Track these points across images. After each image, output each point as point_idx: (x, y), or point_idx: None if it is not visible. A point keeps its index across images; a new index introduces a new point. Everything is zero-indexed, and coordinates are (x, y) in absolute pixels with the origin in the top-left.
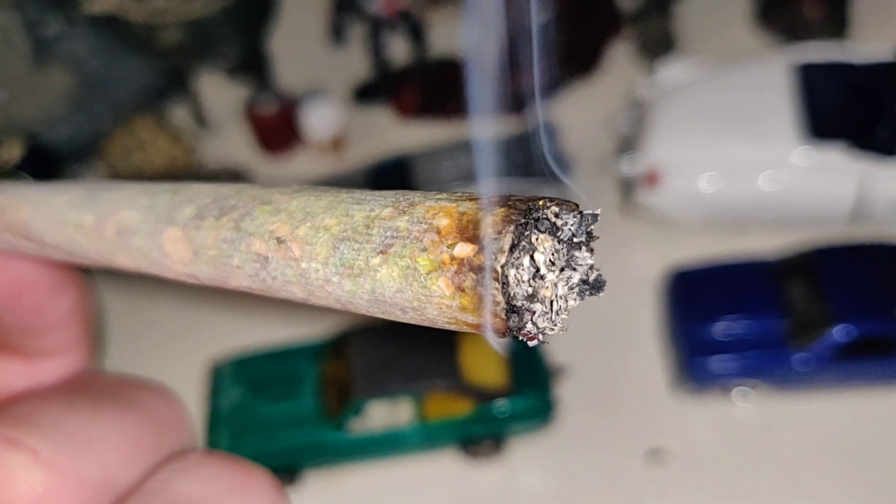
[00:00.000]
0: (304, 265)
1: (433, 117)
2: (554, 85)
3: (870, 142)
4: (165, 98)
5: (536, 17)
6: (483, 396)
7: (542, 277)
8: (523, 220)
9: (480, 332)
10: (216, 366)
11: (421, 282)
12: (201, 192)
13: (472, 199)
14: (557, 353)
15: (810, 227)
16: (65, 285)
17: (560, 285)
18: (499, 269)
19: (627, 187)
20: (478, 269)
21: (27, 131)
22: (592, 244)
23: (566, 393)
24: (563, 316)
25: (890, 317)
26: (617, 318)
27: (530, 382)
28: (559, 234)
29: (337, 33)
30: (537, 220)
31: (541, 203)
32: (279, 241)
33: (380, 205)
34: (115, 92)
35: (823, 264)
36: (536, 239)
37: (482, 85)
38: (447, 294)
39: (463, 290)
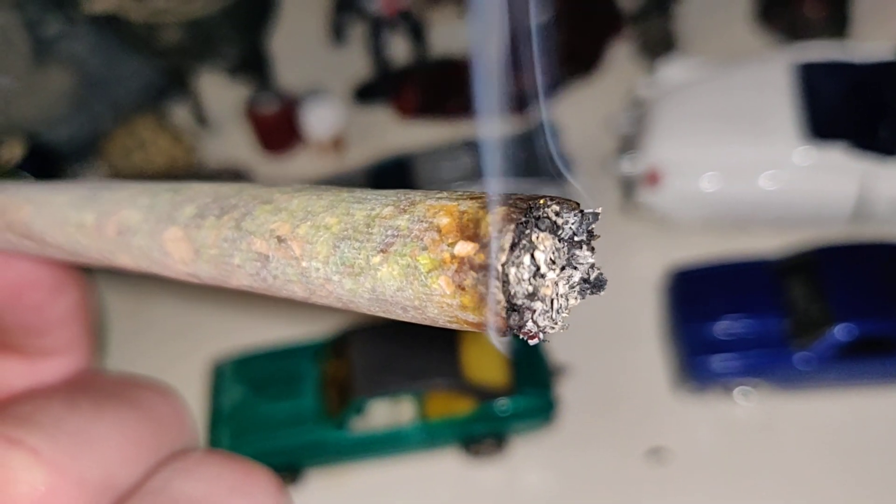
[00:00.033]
0: (304, 264)
1: (433, 117)
2: (554, 85)
3: (871, 141)
4: (166, 98)
5: (536, 16)
6: (484, 395)
7: (542, 276)
8: (524, 219)
9: (481, 331)
10: (217, 365)
11: (421, 280)
12: (202, 192)
13: (473, 197)
14: (559, 352)
15: (811, 227)
16: (66, 285)
17: (561, 284)
18: (499, 268)
19: (628, 187)
20: (478, 268)
21: (28, 131)
22: (593, 243)
23: (567, 392)
24: (563, 314)
25: (891, 316)
26: (618, 317)
27: (532, 381)
28: (560, 232)
29: (337, 33)
30: (538, 218)
31: (541, 202)
32: (280, 239)
33: (380, 204)
34: (115, 91)
35: (825, 264)
36: (537, 237)
37: (487, 84)
38: (448, 292)
39: (463, 289)
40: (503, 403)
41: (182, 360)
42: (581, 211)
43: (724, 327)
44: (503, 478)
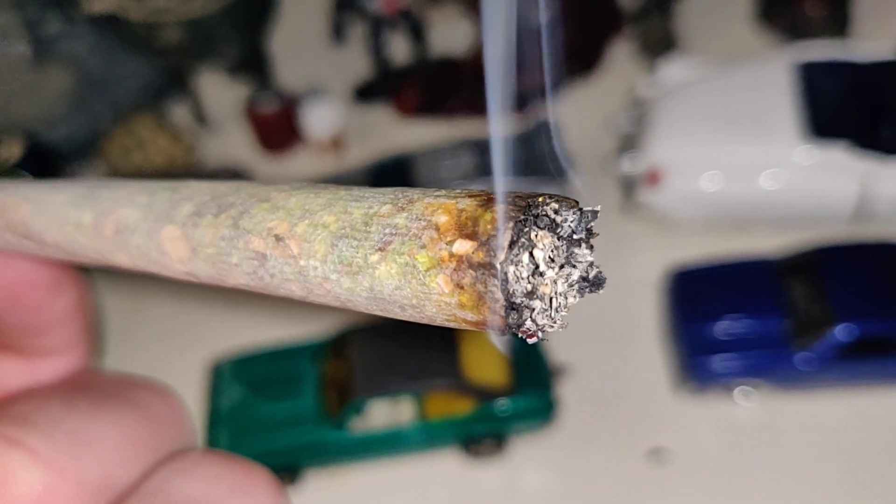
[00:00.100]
0: (302, 263)
1: (433, 116)
2: (555, 84)
3: (872, 141)
4: (165, 97)
5: (540, 16)
6: (484, 395)
7: (541, 274)
8: (522, 217)
9: (480, 329)
10: (216, 365)
11: (420, 279)
12: (200, 190)
13: (472, 195)
14: (559, 352)
15: (812, 227)
16: (64, 284)
17: (560, 282)
18: (498, 266)
19: (629, 187)
20: (476, 266)
21: (27, 130)
22: (592, 241)
23: (567, 392)
24: (562, 313)
25: (892, 316)
26: (618, 317)
27: (531, 382)
28: (559, 230)
29: (337, 32)
30: (537, 216)
31: (540, 200)
32: (277, 238)
33: (378, 202)
34: (114, 91)
35: (825, 264)
36: (536, 235)
37: (498, 82)
38: (446, 291)
39: (462, 287)
40: (503, 404)
41: (180, 359)
42: (580, 209)
43: (725, 327)
44: (503, 478)
